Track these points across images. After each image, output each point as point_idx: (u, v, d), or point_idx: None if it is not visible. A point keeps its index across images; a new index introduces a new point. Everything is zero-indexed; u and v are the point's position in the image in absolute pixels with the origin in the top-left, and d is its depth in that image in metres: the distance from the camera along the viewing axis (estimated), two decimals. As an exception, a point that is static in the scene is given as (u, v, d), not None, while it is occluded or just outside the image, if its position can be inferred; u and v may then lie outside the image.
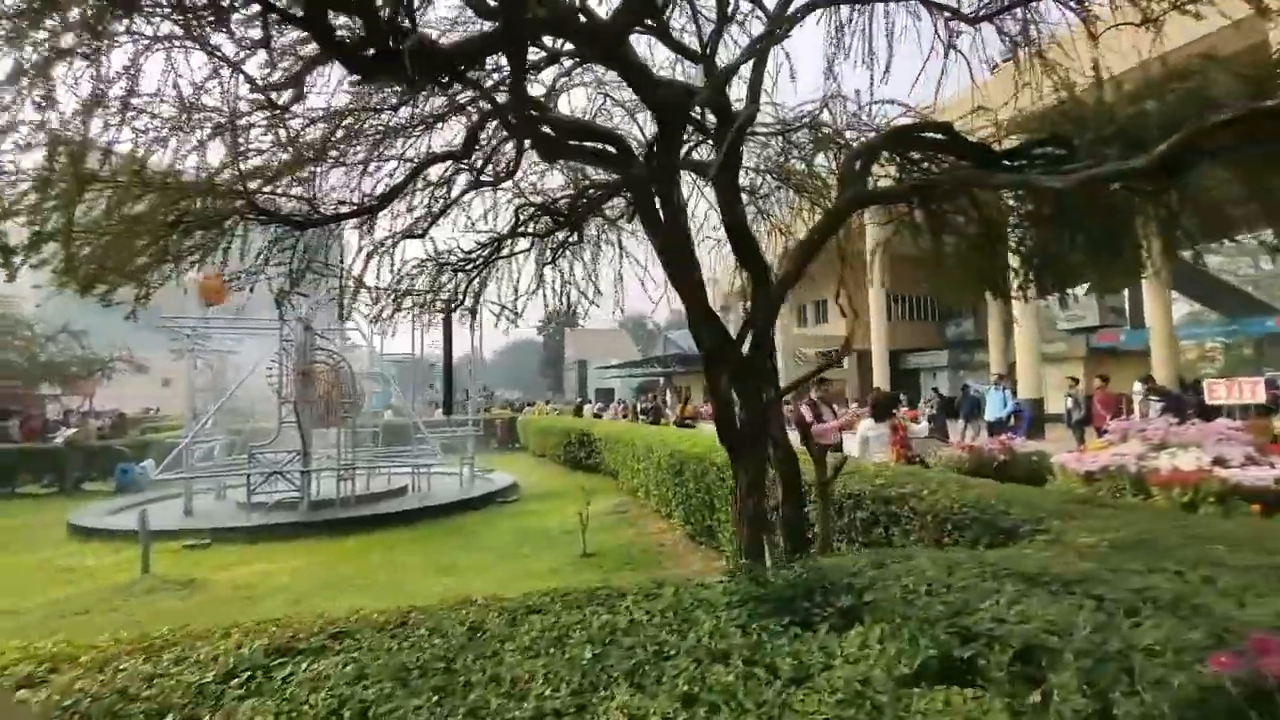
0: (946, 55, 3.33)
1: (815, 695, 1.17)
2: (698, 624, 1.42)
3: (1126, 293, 24.90)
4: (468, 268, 4.15)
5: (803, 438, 7.13)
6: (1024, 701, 1.28)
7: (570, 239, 4.36)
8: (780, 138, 4.42)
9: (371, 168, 3.49)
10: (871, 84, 3.66)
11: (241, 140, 2.81)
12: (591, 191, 4.01)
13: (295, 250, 3.36)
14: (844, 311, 4.06)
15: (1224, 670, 1.29)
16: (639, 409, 16.45)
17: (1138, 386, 13.27)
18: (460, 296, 4.49)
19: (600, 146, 2.83)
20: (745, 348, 3.35)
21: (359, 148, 3.40)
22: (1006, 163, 2.87)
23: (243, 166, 2.81)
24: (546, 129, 2.65)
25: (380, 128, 3.22)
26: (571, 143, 2.86)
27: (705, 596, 1.63)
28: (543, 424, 16.14)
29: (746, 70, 3.20)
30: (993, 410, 12.03)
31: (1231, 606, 1.67)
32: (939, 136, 2.87)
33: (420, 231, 3.55)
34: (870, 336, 23.41)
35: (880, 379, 22.49)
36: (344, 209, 3.30)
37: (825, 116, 4.05)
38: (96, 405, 25.62)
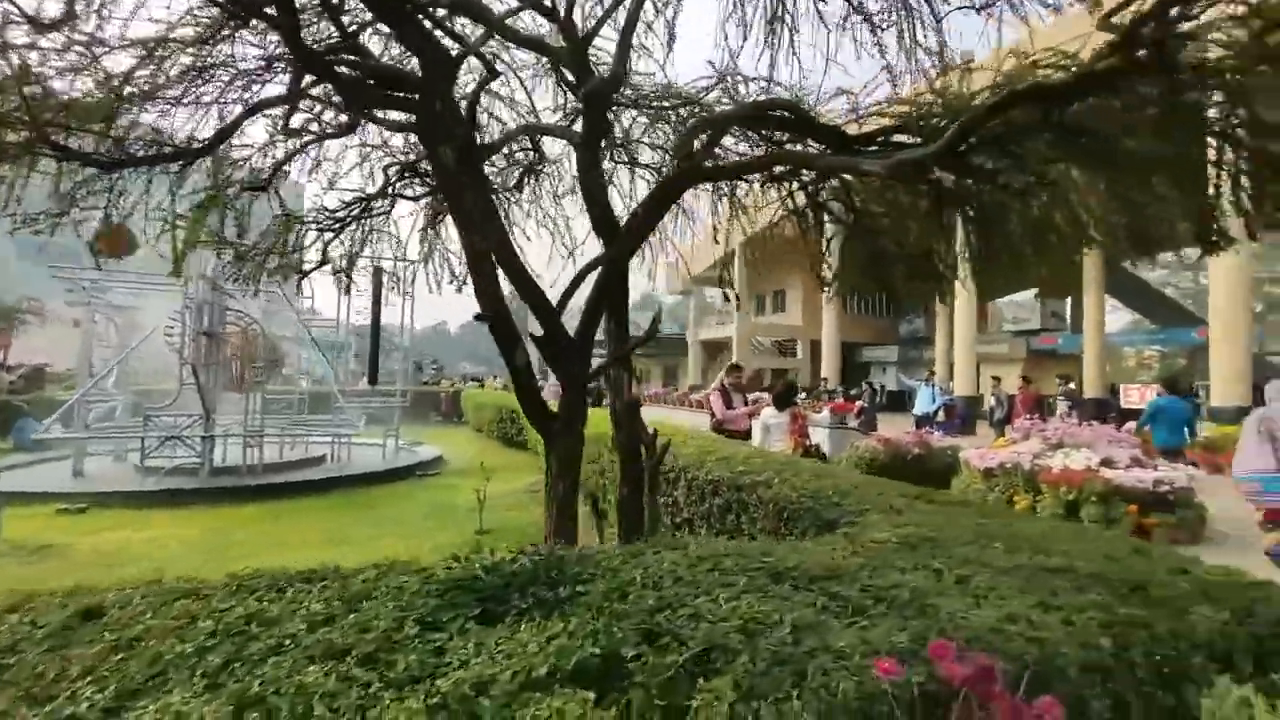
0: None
1: (413, 698, 1.05)
2: (353, 614, 1.30)
3: (1070, 299, 25.71)
4: (336, 227, 3.89)
5: (714, 425, 7.13)
6: (674, 703, 1.19)
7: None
8: (675, 113, 4.26)
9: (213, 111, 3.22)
10: (772, 65, 3.52)
11: (23, 62, 2.53)
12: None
13: (111, 194, 3.08)
14: (728, 297, 3.95)
15: (886, 676, 1.22)
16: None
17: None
18: (336, 258, 4.25)
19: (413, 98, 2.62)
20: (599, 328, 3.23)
21: (196, 87, 3.13)
22: (862, 148, 2.78)
23: (27, 91, 2.53)
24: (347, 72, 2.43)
25: (204, 64, 2.95)
26: (386, 93, 2.65)
27: (401, 583, 1.50)
28: (480, 399, 15.85)
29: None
30: (921, 405, 12.27)
31: (966, 607, 1.62)
32: (788, 116, 2.74)
33: (261, 183, 3.29)
34: (823, 329, 23.65)
35: (831, 371, 22.80)
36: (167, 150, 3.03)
37: (714, 96, 3.90)
38: (24, 359, 24.27)
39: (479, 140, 3.69)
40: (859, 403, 14.28)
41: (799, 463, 3.66)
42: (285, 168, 3.37)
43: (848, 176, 3.43)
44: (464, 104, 3.05)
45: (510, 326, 2.59)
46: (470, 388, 22.26)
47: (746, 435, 6.76)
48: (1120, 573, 1.90)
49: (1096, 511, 6.02)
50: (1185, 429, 7.62)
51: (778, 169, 3.41)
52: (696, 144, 2.76)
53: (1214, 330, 11.62)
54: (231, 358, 8.59)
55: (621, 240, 2.78)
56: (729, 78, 3.75)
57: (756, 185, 4.44)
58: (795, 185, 3.68)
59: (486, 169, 4.32)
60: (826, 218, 4.00)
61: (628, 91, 3.74)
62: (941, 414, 13.27)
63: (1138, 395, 12.83)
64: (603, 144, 3.37)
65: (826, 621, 1.48)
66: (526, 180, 4.30)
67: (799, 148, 3.24)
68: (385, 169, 3.81)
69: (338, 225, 3.79)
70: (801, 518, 2.97)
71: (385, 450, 10.48)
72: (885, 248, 3.83)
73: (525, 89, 3.96)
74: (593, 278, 3.03)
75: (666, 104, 3.80)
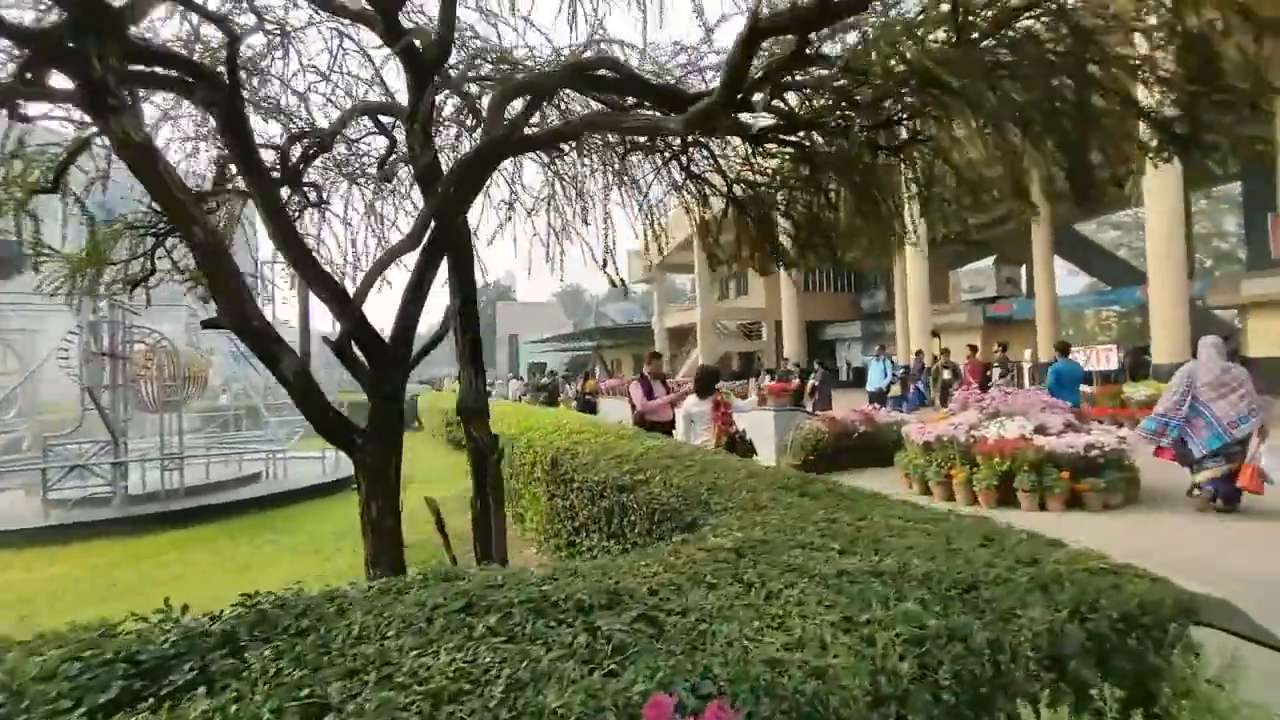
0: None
1: None
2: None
3: (1025, 265, 25.99)
4: (161, 231, 3.50)
5: (636, 418, 6.86)
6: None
7: (301, 200, 3.77)
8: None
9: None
10: (644, 27, 3.21)
11: None
12: (304, 141, 3.43)
13: None
14: (606, 269, 3.68)
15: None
16: (538, 385, 15.85)
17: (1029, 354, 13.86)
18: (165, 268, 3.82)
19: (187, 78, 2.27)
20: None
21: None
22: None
23: None
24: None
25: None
26: (155, 71, 2.29)
27: (40, 663, 1.21)
28: (430, 403, 15.43)
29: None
30: (873, 381, 12.19)
31: (755, 632, 1.37)
32: (612, 75, 2.46)
33: (47, 186, 2.89)
34: (782, 307, 23.57)
35: (793, 350, 22.75)
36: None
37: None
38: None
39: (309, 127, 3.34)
40: (811, 382, 14.20)
41: (693, 457, 3.41)
42: (84, 166, 2.97)
43: (715, 147, 3.16)
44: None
45: (265, 332, 2.25)
46: (425, 391, 21.57)
47: (672, 426, 6.53)
48: (957, 570, 1.67)
49: (1030, 480, 5.92)
50: (1077, 387, 8.47)
51: (643, 140, 3.13)
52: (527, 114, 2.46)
53: (1152, 288, 11.72)
54: (139, 377, 8.08)
55: (419, 228, 2.46)
56: (601, 44, 3.45)
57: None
58: (668, 156, 3.40)
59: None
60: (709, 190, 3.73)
61: (482, 64, 3.41)
62: (896, 388, 13.23)
63: (1083, 358, 12.94)
64: (444, 119, 3.05)
65: (562, 670, 1.21)
66: (393, 166, 3.95)
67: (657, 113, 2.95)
68: (215, 160, 3.43)
69: (163, 230, 3.40)
70: (669, 519, 2.72)
71: (325, 463, 10.05)
72: (771, 217, 3.59)
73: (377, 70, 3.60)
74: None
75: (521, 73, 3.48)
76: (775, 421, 8.64)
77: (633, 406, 6.27)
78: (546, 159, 4.22)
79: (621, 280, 3.91)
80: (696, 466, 3.24)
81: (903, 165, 3.21)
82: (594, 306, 69.59)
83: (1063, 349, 8.81)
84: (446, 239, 2.58)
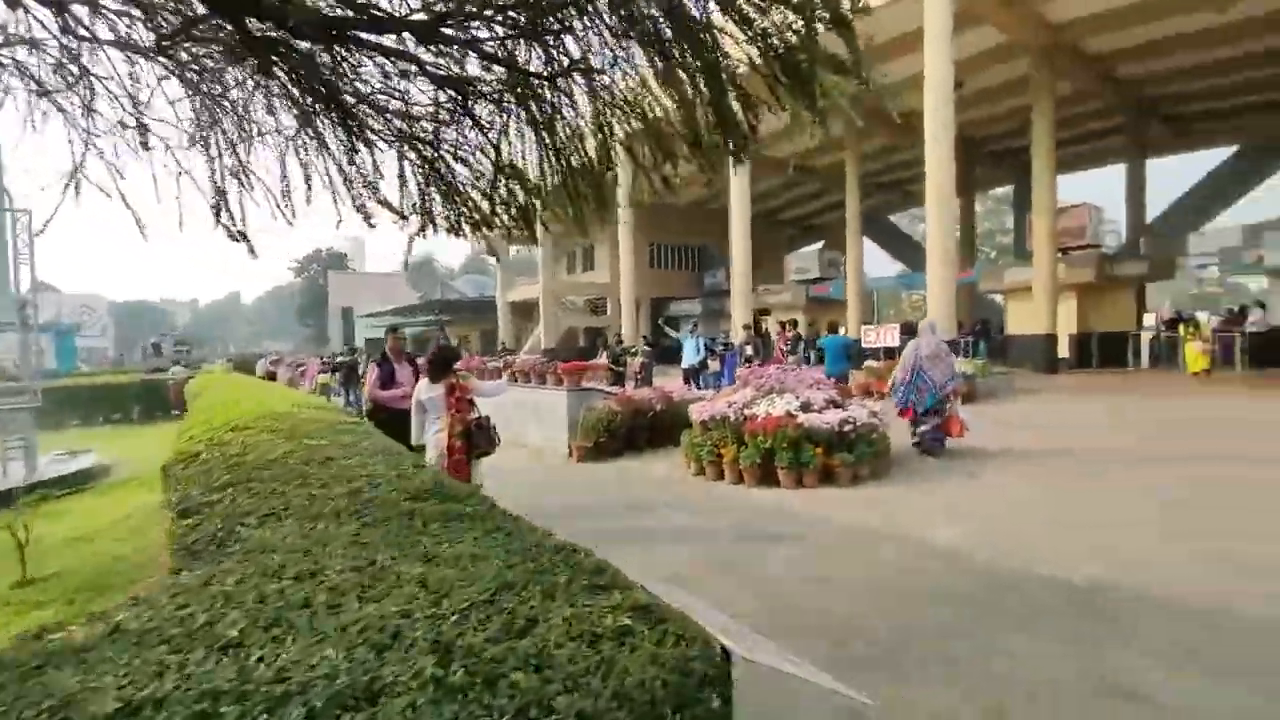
0: None
1: None
2: None
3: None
4: None
5: (369, 411, 5.96)
6: None
7: None
8: None
9: None
10: None
11: None
12: None
13: None
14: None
15: None
16: (334, 367, 14.03)
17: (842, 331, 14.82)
18: None
19: None
20: None
21: None
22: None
23: None
24: None
25: None
26: None
27: None
28: (196, 387, 13.12)
29: None
30: (687, 358, 12.27)
31: None
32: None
33: None
34: (620, 283, 23.40)
35: (629, 328, 22.70)
36: None
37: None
38: None
39: None
40: (639, 359, 14.08)
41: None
42: None
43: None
44: None
45: None
46: (178, 373, 18.26)
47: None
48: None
49: (788, 457, 5.97)
50: (845, 359, 9.90)
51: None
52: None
53: (930, 273, 12.93)
54: None
55: None
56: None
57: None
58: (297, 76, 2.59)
59: None
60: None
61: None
62: (715, 364, 13.46)
63: (875, 336, 14.16)
64: None
65: None
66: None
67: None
68: None
69: None
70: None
71: (5, 466, 7.94)
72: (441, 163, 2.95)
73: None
74: None
75: None
76: (568, 402, 8.18)
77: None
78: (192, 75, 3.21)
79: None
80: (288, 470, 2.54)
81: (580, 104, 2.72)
82: (450, 278, 65.43)
83: (832, 326, 10.36)
84: None
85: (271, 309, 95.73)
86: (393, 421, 5.29)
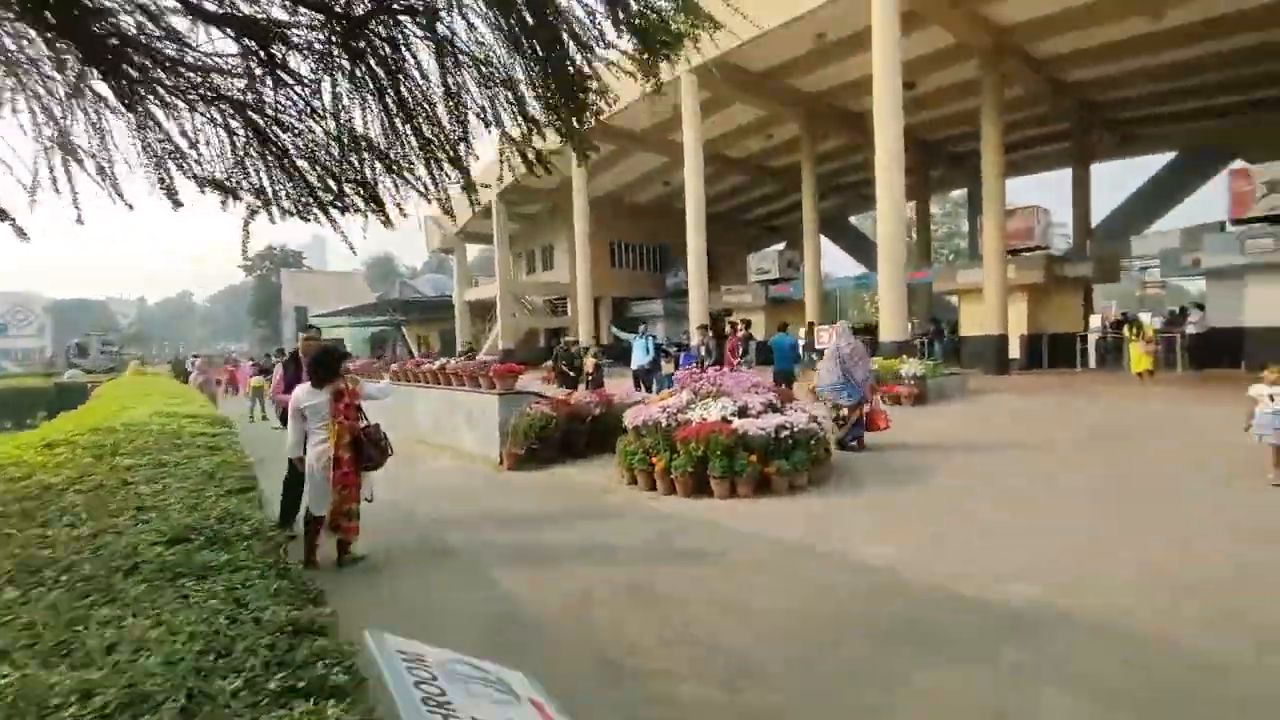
0: None
1: None
2: None
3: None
4: None
5: (282, 414, 5.44)
6: None
7: None
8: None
9: None
10: None
11: None
12: None
13: None
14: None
15: None
16: (264, 369, 13.13)
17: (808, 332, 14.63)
18: None
19: None
20: None
21: None
22: None
23: None
24: None
25: None
26: None
27: None
28: (97, 391, 12.21)
29: None
30: (636, 359, 11.89)
31: None
32: None
33: None
34: (577, 282, 22.91)
35: (588, 328, 22.23)
36: None
37: None
38: None
39: None
40: (592, 360, 13.61)
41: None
42: None
43: None
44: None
45: None
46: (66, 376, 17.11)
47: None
48: None
49: (722, 465, 5.62)
50: (791, 357, 10.41)
51: None
52: None
53: (881, 274, 12.82)
54: None
55: None
56: None
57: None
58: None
59: None
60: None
61: None
62: (669, 366, 13.09)
63: (827, 336, 14.03)
64: None
65: None
66: None
67: None
68: None
69: None
70: None
71: None
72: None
73: None
74: None
75: None
76: (500, 406, 7.69)
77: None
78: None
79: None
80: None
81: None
82: (411, 277, 63.69)
83: (780, 326, 10.85)
84: None
85: (225, 309, 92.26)
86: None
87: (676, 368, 13.74)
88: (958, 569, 3.73)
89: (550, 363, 14.45)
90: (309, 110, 2.50)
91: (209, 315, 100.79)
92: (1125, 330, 15.82)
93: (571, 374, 13.40)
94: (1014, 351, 17.31)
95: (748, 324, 10.98)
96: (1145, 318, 20.14)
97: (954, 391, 12.08)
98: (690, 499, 5.65)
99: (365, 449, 4.51)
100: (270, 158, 2.70)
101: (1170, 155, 23.91)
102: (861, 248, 38.03)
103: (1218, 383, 12.62)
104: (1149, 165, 24.77)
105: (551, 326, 31.31)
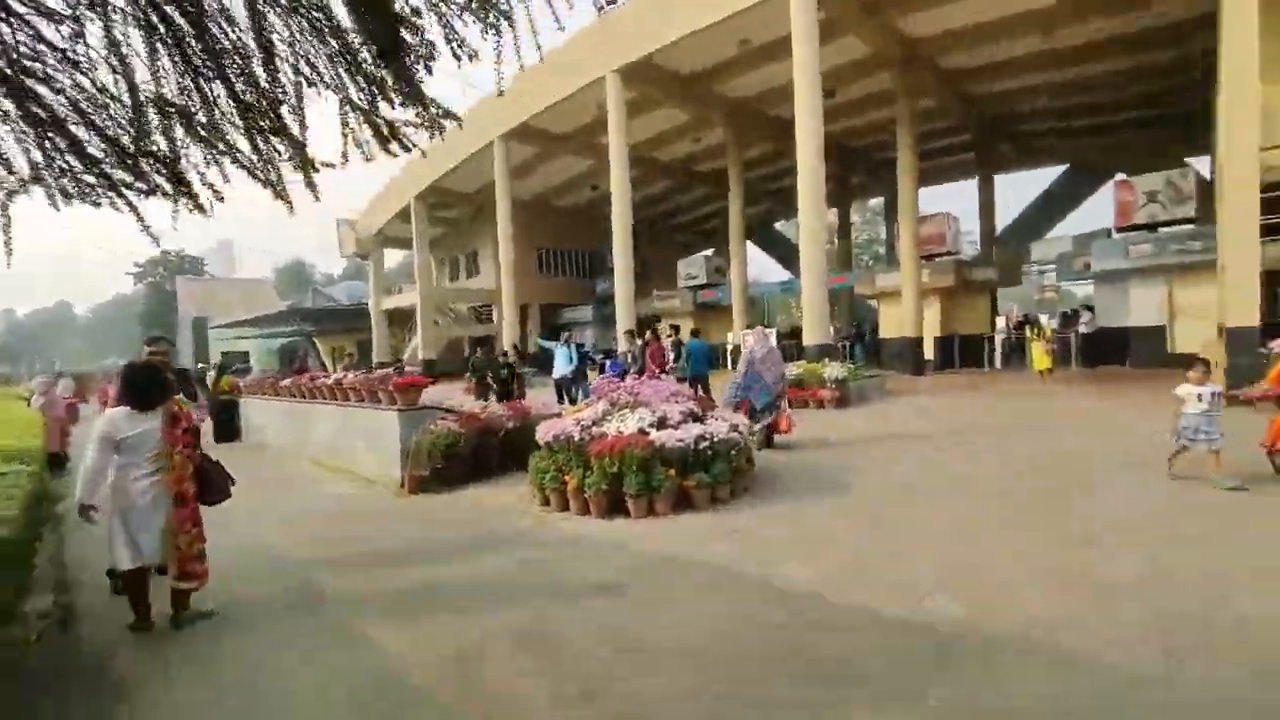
0: None
1: None
2: None
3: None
4: None
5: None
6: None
7: None
8: None
9: None
10: None
11: None
12: None
13: None
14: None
15: None
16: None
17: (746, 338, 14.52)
18: None
19: None
20: None
21: None
22: None
23: None
24: None
25: None
26: None
27: None
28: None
29: None
30: (559, 368, 11.38)
31: None
32: None
33: None
34: (501, 288, 22.10)
35: (511, 336, 21.45)
36: None
37: None
38: None
39: None
40: (520, 369, 12.96)
41: None
42: None
43: None
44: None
45: None
46: None
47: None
48: None
49: (638, 482, 5.22)
50: (706, 361, 10.74)
51: None
52: None
53: (804, 279, 12.91)
54: None
55: None
56: None
57: None
58: None
59: None
60: None
61: None
62: (594, 375, 12.64)
63: (752, 339, 14.05)
64: None
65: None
66: None
67: None
68: None
69: None
70: None
71: None
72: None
73: None
74: None
75: None
76: (400, 424, 7.01)
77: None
78: None
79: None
80: None
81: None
82: (328, 284, 60.11)
83: (694, 332, 11.37)
84: None
85: (112, 320, 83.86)
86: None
87: (594, 374, 13.33)
88: (880, 588, 3.48)
89: (469, 374, 13.70)
90: (69, 60, 1.92)
91: (91, 328, 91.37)
92: (1027, 330, 16.70)
93: (495, 386, 12.72)
94: (929, 352, 17.98)
95: (676, 329, 10.70)
96: (1044, 319, 21.51)
97: (872, 393, 12.27)
98: (605, 520, 5.23)
99: (212, 481, 3.84)
100: (30, 122, 2.08)
101: (1063, 168, 25.75)
102: (787, 254, 39.00)
103: (1110, 379, 13.46)
104: (1046, 176, 26.63)
105: (477, 335, 30.21)
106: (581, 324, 30.43)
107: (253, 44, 2.03)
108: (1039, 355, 13.73)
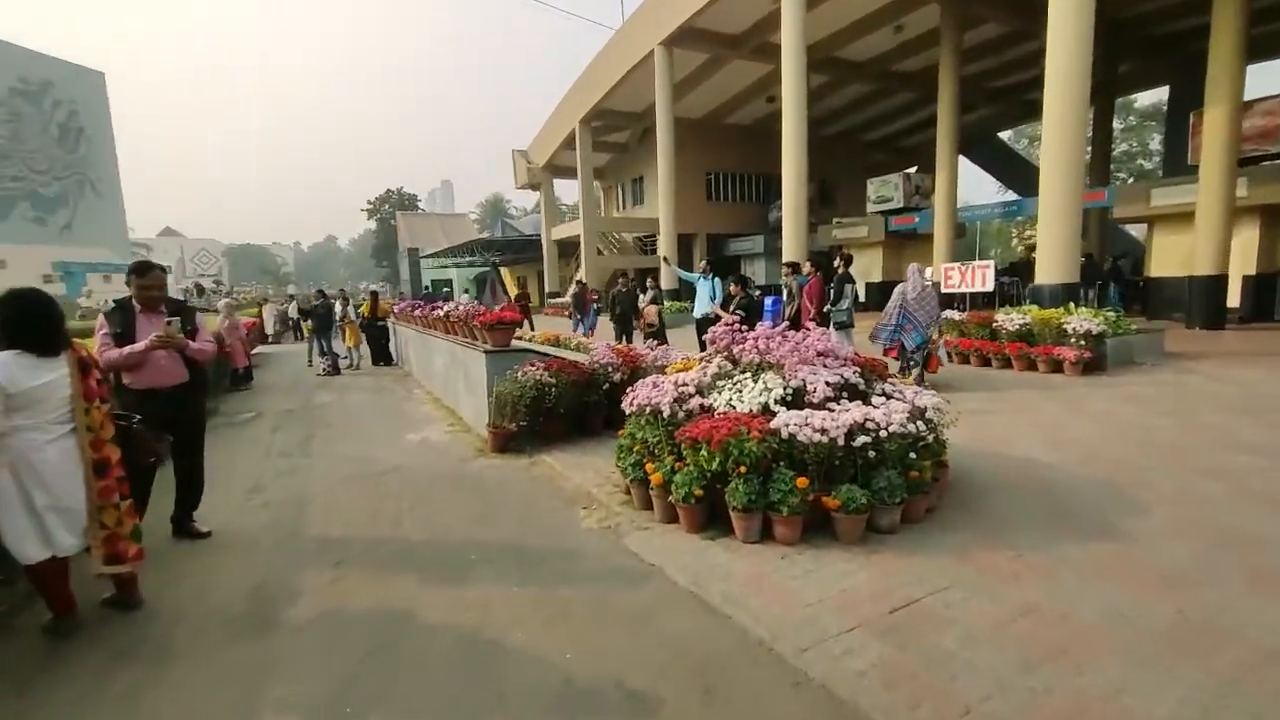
0: None
1: None
2: None
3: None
4: None
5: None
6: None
7: None
8: None
9: None
10: None
11: None
12: None
13: None
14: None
15: None
16: (302, 310, 12.30)
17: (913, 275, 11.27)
18: None
19: None
20: None
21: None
22: None
23: None
24: None
25: None
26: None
27: None
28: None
29: None
30: (700, 305, 9.59)
31: None
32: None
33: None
34: (661, 217, 20.49)
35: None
36: None
37: None
38: None
39: None
40: (652, 306, 11.47)
41: None
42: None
43: None
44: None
45: None
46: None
47: (189, 390, 3.71)
48: None
49: (745, 492, 3.40)
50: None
51: None
52: None
53: (1042, 198, 9.29)
54: None
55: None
56: None
57: None
58: None
59: None
60: None
61: None
62: (735, 314, 10.67)
63: (958, 278, 10.75)
64: None
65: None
66: None
67: None
68: None
69: None
70: None
71: None
72: None
73: None
74: None
75: None
76: (487, 366, 5.90)
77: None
78: None
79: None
80: None
81: None
82: (521, 217, 63.96)
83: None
84: None
85: (361, 251, 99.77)
86: (150, 403, 3.45)
87: (749, 316, 11.29)
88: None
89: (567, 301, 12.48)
90: None
91: (350, 257, 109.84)
92: None
93: (619, 325, 11.48)
94: (1232, 298, 12.84)
95: (848, 259, 8.25)
96: None
97: (1147, 353, 8.67)
98: (697, 538, 3.55)
99: (144, 444, 2.91)
100: None
101: None
102: (1012, 170, 31.82)
103: None
104: None
105: (641, 266, 29.30)
106: (753, 255, 27.87)
107: None
108: None
